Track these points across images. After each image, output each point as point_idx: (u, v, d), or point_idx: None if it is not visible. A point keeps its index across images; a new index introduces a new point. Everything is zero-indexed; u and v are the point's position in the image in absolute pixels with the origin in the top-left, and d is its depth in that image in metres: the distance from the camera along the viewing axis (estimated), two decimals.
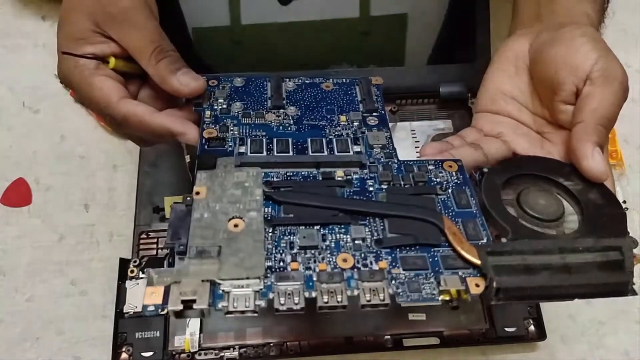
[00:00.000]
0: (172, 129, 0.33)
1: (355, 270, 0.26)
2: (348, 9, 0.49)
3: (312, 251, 0.26)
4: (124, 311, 0.42)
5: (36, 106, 0.52)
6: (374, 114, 0.37)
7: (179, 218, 0.27)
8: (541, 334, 0.42)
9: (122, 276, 0.44)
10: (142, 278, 0.44)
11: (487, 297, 0.25)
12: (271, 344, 0.42)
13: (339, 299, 0.24)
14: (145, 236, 0.46)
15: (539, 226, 0.28)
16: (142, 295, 0.24)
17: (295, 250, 0.26)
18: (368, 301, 0.24)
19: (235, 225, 0.26)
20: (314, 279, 0.25)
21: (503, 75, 0.36)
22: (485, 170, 0.31)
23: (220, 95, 0.36)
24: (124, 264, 0.44)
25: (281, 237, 0.27)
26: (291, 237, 0.27)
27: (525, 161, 0.32)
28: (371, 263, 0.26)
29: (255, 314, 0.24)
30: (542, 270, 0.25)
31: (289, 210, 0.28)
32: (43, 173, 0.49)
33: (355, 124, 0.35)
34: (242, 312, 0.24)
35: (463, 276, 0.25)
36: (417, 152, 0.50)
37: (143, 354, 0.41)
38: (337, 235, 0.27)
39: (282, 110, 0.36)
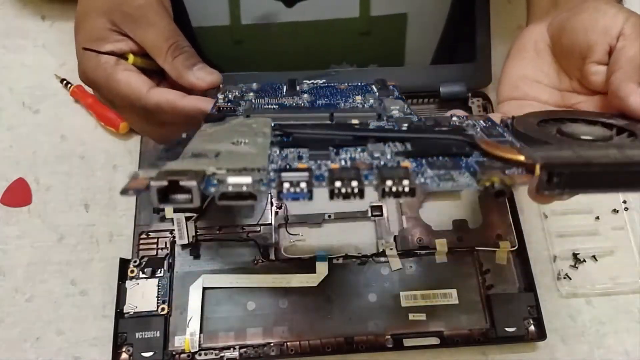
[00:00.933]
0: (204, 108, 0.34)
1: (374, 168, 0.22)
2: (348, 9, 0.49)
3: (324, 160, 0.24)
4: (124, 311, 0.42)
5: (36, 106, 0.52)
6: (390, 96, 0.36)
7: (178, 142, 0.25)
8: (541, 334, 0.43)
9: (122, 276, 0.44)
10: (142, 278, 0.44)
11: (540, 185, 0.21)
12: (271, 344, 0.42)
13: (354, 185, 0.21)
14: (145, 236, 0.46)
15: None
16: (128, 181, 0.21)
17: (304, 160, 0.24)
18: (390, 188, 0.21)
19: (240, 142, 0.25)
20: (325, 176, 0.22)
21: (523, 61, 0.36)
22: (516, 116, 0.29)
23: (236, 89, 0.37)
24: (124, 264, 0.44)
25: (289, 154, 0.25)
26: (300, 152, 0.25)
27: (558, 112, 0.31)
28: (394, 164, 0.24)
29: (254, 202, 0.21)
30: (597, 158, 0.21)
31: (300, 140, 0.26)
32: (43, 173, 0.49)
33: (371, 101, 0.35)
34: (239, 195, 0.21)
35: (506, 173, 0.22)
36: None
37: (143, 354, 0.41)
38: (353, 154, 0.25)
39: (296, 97, 0.36)
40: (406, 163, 0.23)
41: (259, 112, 0.32)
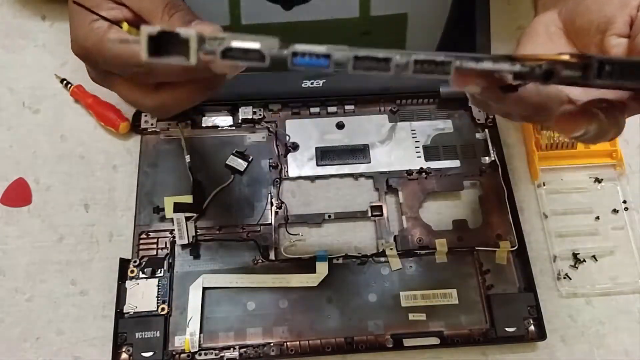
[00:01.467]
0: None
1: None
2: (348, 9, 0.49)
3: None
4: (124, 311, 0.42)
5: (36, 106, 0.52)
6: None
7: None
8: (541, 334, 0.43)
9: (122, 276, 0.44)
10: (142, 278, 0.44)
11: (591, 75, 0.21)
12: (271, 344, 0.42)
13: (380, 55, 0.20)
14: (145, 236, 0.46)
15: None
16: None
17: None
18: (422, 61, 0.20)
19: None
20: (347, 48, 0.20)
21: (535, 44, 0.35)
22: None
23: None
24: (124, 264, 0.44)
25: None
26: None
27: None
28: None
29: (261, 64, 0.19)
30: None
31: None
32: (43, 173, 0.49)
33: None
34: (246, 53, 0.19)
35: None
36: (417, 152, 0.50)
37: (143, 354, 0.41)
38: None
39: None
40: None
41: None
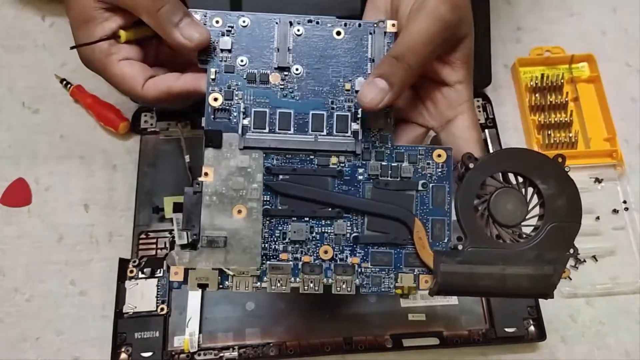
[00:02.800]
0: (198, 88, 0.34)
1: (333, 262, 0.32)
2: (348, 8, 0.49)
3: (300, 244, 0.32)
4: (124, 311, 0.42)
5: (36, 106, 0.52)
6: None
7: (191, 204, 0.32)
8: (541, 335, 0.43)
9: (122, 276, 0.44)
10: (141, 278, 0.44)
11: (432, 291, 0.31)
12: (270, 344, 0.42)
13: (316, 288, 0.32)
14: (144, 236, 0.46)
15: (500, 227, 0.32)
16: (171, 272, 0.32)
17: (286, 240, 0.32)
18: (338, 290, 0.32)
19: (239, 212, 0.32)
20: (299, 267, 0.32)
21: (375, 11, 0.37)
22: (471, 166, 0.31)
23: (225, 47, 0.34)
24: (123, 264, 0.44)
25: (276, 226, 0.32)
26: (285, 227, 0.32)
27: (511, 156, 0.32)
28: (346, 257, 0.32)
29: (255, 291, 0.32)
30: (482, 278, 0.30)
31: (285, 201, 0.32)
32: (43, 173, 0.49)
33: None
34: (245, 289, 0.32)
35: (417, 273, 0.32)
36: None
37: (142, 354, 0.41)
38: (323, 228, 0.33)
39: (285, 73, 0.34)
40: (355, 259, 0.32)
41: (250, 117, 0.33)
